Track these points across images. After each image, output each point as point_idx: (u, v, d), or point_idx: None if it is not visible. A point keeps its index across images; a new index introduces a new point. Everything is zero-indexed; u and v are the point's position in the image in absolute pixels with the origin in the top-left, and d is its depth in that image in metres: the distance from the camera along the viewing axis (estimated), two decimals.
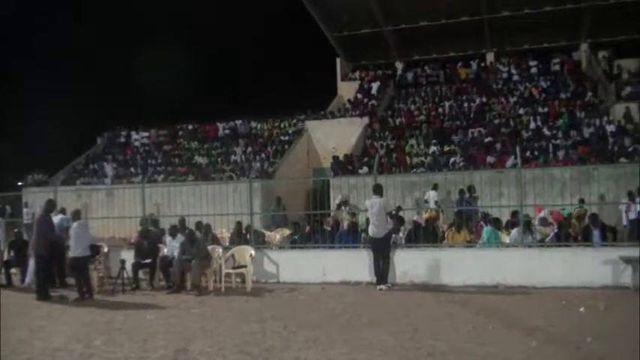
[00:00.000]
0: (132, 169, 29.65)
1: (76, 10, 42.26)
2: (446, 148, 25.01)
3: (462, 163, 23.16)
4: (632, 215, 14.99)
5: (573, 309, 9.60)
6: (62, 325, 9.72)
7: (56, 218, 13.91)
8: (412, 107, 30.83)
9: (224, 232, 16.09)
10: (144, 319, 9.88)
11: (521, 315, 9.36)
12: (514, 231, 13.03)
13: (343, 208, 17.55)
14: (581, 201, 15.24)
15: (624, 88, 26.32)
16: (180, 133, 33.46)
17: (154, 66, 40.06)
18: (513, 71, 33.06)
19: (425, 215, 15.49)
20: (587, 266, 11.51)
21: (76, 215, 12.95)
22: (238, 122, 32.57)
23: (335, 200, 18.42)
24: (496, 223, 13.67)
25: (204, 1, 40.73)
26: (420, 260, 12.48)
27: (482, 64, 34.84)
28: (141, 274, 13.64)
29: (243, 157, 28.74)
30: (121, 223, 17.47)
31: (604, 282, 11.34)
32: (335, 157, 25.03)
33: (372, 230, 12.24)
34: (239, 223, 15.01)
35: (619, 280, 11.31)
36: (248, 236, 14.55)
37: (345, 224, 15.42)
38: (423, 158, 24.59)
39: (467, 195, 17.47)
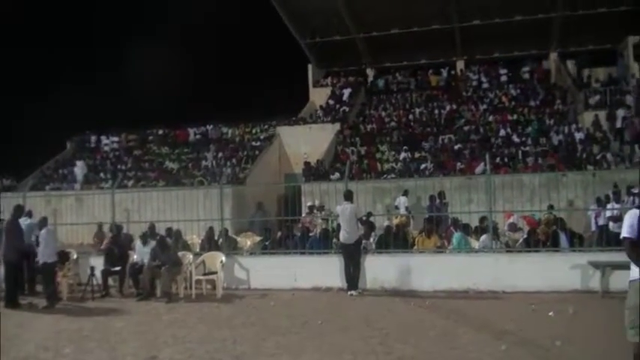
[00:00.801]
0: (102, 174, 29.32)
1: (48, 9, 41.67)
2: (416, 155, 25.18)
3: (432, 170, 23.32)
4: (601, 221, 15.21)
5: (542, 313, 9.69)
6: (31, 333, 9.54)
7: (25, 224, 13.67)
8: (383, 114, 31.00)
9: (194, 238, 15.98)
10: (113, 327, 9.74)
11: (491, 319, 9.43)
12: (483, 236, 13.13)
13: (317, 212, 17.52)
14: (550, 207, 15.43)
15: (593, 96, 26.74)
16: (151, 137, 33.15)
17: (125, 70, 39.76)
18: (483, 79, 33.46)
19: (395, 221, 15.55)
20: (556, 271, 11.65)
21: (43, 222, 12.79)
22: (209, 127, 32.38)
23: (306, 206, 18.38)
24: (465, 228, 13.79)
25: (176, 5, 40.45)
26: (390, 266, 12.51)
27: (453, 72, 35.21)
28: (110, 280, 13.46)
29: (214, 162, 28.56)
30: (91, 229, 17.25)
31: (573, 286, 11.48)
32: (306, 163, 25.06)
33: (342, 236, 12.25)
34: (211, 229, 14.89)
35: (588, 285, 11.47)
36: (219, 242, 14.45)
37: (318, 229, 15.39)
38: (393, 164, 24.73)
39: (437, 201, 17.59)
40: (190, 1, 40.51)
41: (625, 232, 5.65)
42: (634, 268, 5.57)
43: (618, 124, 24.21)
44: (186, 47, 42.95)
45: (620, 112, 24.66)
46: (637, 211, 5.65)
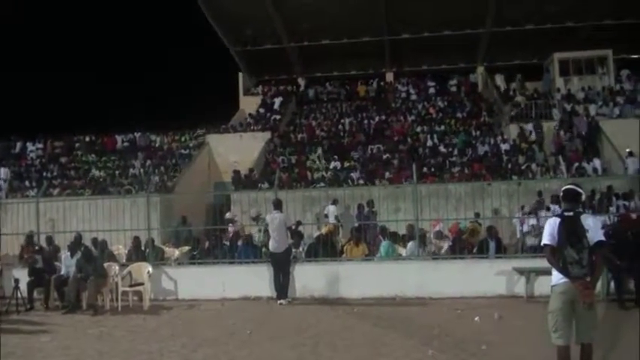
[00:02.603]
0: (27, 182, 28.30)
1: None
2: (346, 164, 25.37)
3: (361, 179, 23.55)
4: (526, 228, 15.69)
5: (468, 318, 9.93)
6: None
7: None
8: (313, 123, 31.12)
9: (121, 249, 15.63)
10: (38, 342, 9.39)
11: (418, 325, 9.58)
12: (410, 244, 13.36)
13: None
14: (477, 215, 15.82)
15: (519, 109, 27.64)
16: (77, 144, 32.21)
17: (50, 74, 38.70)
18: (412, 91, 34.09)
19: (324, 230, 15.62)
20: (482, 277, 11.99)
21: None
22: (137, 134, 31.71)
23: (227, 215, 18.17)
24: (393, 236, 13.98)
25: (106, 9, 39.71)
26: (319, 274, 12.60)
27: (382, 83, 35.74)
28: (35, 293, 13.00)
29: (142, 170, 28.01)
30: (15, 240, 16.64)
31: (498, 292, 11.85)
32: (236, 172, 24.89)
33: (272, 245, 12.25)
34: (137, 239, 14.55)
35: (513, 290, 11.86)
36: (146, 252, 14.17)
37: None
38: (323, 173, 24.85)
39: (366, 209, 17.75)
40: (122, 8, 39.82)
41: (545, 240, 5.90)
42: (555, 273, 5.81)
43: (543, 136, 25.08)
44: (115, 53, 42.18)
45: (545, 125, 25.59)
46: (557, 219, 5.89)
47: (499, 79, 32.08)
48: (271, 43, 34.72)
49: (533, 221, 15.62)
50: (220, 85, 38.20)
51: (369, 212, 17.60)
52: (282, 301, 11.99)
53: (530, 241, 14.79)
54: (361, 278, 12.40)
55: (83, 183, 27.03)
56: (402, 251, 13.69)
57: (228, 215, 17.08)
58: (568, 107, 26.85)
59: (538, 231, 14.34)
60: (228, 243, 14.77)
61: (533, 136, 25.23)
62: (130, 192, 24.04)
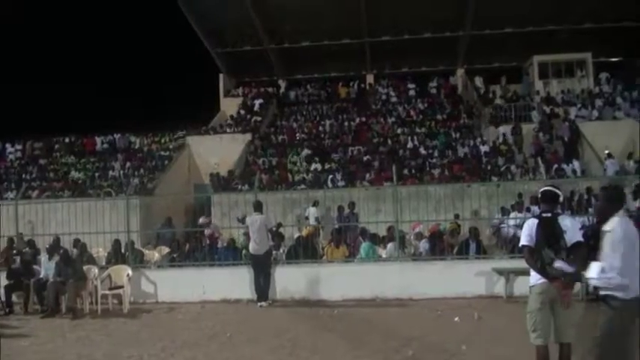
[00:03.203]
0: (5, 184, 27.98)
1: None
2: (326, 166, 25.37)
3: (342, 180, 23.58)
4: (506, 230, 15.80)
5: (448, 318, 10.01)
6: None
7: None
8: (294, 125, 31.10)
9: (100, 251, 15.49)
10: (18, 346, 9.29)
11: (398, 326, 9.63)
12: (390, 245, 13.42)
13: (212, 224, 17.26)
14: (456, 216, 15.91)
15: (498, 111, 27.85)
16: (57, 146, 31.92)
17: (30, 75, 38.29)
18: (392, 93, 34.14)
19: (304, 231, 15.62)
20: (462, 278, 12.08)
21: None
22: (117, 136, 31.48)
23: (200, 220, 18.08)
24: (373, 238, 14.01)
25: (85, 8, 39.27)
26: (300, 276, 12.60)
27: (363, 85, 35.78)
28: (14, 297, 12.86)
29: (121, 172, 27.83)
30: None
31: (478, 292, 11.94)
32: (216, 174, 24.80)
33: (252, 247, 12.23)
34: (117, 242, 14.38)
35: (492, 290, 11.97)
36: (126, 255, 14.07)
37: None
38: (304, 175, 24.83)
39: (347, 211, 17.77)
40: (101, 8, 39.50)
41: (524, 241, 5.96)
42: (533, 274, 5.87)
43: (522, 139, 25.30)
44: (94, 54, 41.81)
45: (525, 127, 25.83)
46: (535, 220, 5.95)
47: (478, 82, 32.29)
48: (252, 44, 34.62)
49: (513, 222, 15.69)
50: (201, 86, 37.87)
51: (349, 214, 17.62)
52: (262, 303, 11.98)
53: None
54: (341, 280, 12.42)
55: (62, 185, 26.80)
56: (383, 253, 13.72)
57: (201, 220, 16.95)
58: (547, 110, 27.09)
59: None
60: (207, 246, 14.66)
61: (511, 139, 25.41)
62: (109, 194, 23.86)
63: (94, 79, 38.48)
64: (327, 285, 12.37)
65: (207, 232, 15.76)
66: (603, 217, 5.09)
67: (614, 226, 4.89)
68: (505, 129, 26.04)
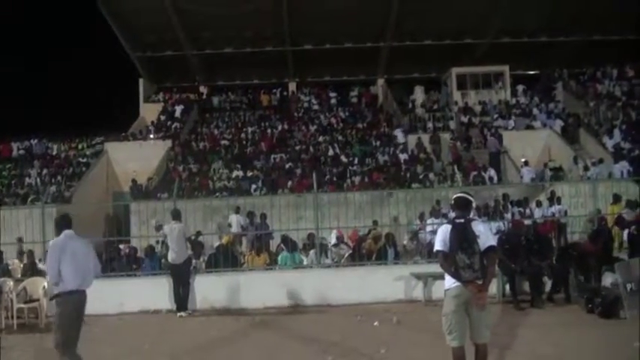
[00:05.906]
0: None
1: None
2: (249, 173, 25.28)
3: (264, 188, 23.55)
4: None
5: (368, 323, 10.13)
6: None
7: None
8: (216, 132, 30.87)
9: (16, 263, 14.87)
10: None
11: (319, 332, 9.67)
12: (311, 252, 13.50)
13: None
14: (375, 222, 16.14)
15: (417, 120, 28.47)
16: None
17: None
18: (314, 101, 34.46)
19: (224, 239, 15.48)
20: (381, 283, 12.26)
21: None
22: (34, 142, 30.41)
23: (135, 226, 17.67)
24: (294, 245, 14.03)
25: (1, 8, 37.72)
26: (220, 285, 12.46)
27: (285, 93, 35.91)
28: None
29: (38, 179, 26.89)
30: None
31: (397, 297, 12.16)
32: (135, 181, 24.30)
33: (171, 256, 12.02)
34: (31, 253, 13.83)
35: (411, 295, 12.21)
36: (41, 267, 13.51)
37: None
38: (226, 182, 24.65)
39: (257, 221, 17.67)
40: (17, 8, 38.03)
41: (438, 246, 6.11)
42: (448, 277, 6.04)
43: (441, 147, 25.97)
44: (9, 55, 40.21)
45: (443, 136, 26.56)
46: (449, 226, 6.11)
47: (419, 90, 32.81)
48: (173, 49, 34.12)
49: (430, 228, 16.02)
50: (120, 91, 36.98)
51: (262, 222, 17.49)
52: (182, 313, 11.78)
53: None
54: (262, 288, 12.36)
55: None
56: (305, 260, 13.78)
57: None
58: (465, 119, 27.90)
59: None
60: (125, 256, 14.31)
61: (430, 147, 26.05)
62: (25, 202, 22.97)
63: (8, 82, 36.92)
64: (247, 293, 12.28)
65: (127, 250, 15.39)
66: None
67: None
68: (424, 137, 26.64)
